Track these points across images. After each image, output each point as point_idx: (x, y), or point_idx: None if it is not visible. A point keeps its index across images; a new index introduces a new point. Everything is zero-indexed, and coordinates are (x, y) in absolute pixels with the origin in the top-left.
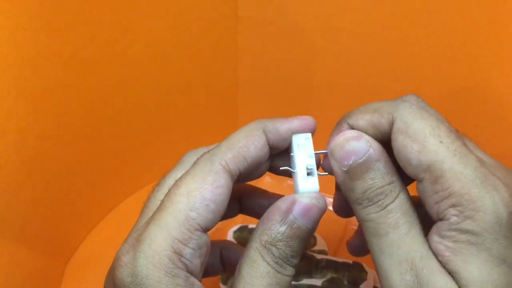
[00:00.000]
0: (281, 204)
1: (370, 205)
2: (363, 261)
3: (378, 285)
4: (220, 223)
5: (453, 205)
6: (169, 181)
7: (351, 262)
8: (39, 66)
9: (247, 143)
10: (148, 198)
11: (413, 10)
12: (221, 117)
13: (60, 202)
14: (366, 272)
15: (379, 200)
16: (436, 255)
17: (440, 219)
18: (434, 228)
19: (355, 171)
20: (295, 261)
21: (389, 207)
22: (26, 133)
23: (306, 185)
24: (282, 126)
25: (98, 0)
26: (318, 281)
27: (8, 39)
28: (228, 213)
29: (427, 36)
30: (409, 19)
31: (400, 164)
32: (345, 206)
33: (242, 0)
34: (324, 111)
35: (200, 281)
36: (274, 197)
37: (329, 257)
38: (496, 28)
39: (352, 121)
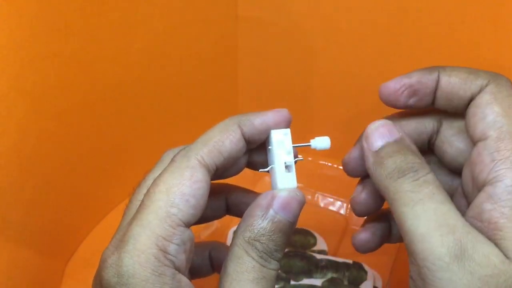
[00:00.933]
0: (261, 200)
1: (401, 177)
2: (363, 261)
3: (378, 284)
4: (219, 223)
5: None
6: (149, 181)
7: (351, 262)
8: (39, 66)
9: (222, 138)
10: (130, 200)
11: (413, 10)
12: (221, 117)
13: (60, 202)
14: (366, 272)
15: (411, 172)
16: (488, 222)
17: (491, 182)
18: (483, 196)
19: (387, 150)
20: (279, 255)
21: (421, 179)
22: (26, 133)
23: (285, 181)
24: (257, 119)
25: (98, 0)
26: (318, 281)
27: (8, 39)
28: (214, 214)
29: (427, 36)
30: (409, 19)
31: (470, 120)
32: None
33: (242, 0)
34: (324, 111)
35: (187, 277)
36: None
37: (329, 257)
38: (496, 28)
39: (446, 74)
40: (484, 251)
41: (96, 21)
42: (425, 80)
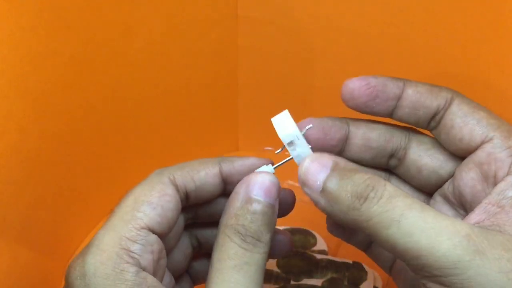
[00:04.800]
0: (238, 188)
1: (364, 202)
2: (363, 261)
3: (378, 284)
4: None
5: None
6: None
7: (351, 262)
8: (39, 66)
9: (198, 167)
10: None
11: (413, 10)
12: (221, 117)
13: (60, 202)
14: (366, 272)
15: (371, 192)
16: (510, 207)
17: None
18: (505, 184)
19: (331, 183)
20: (265, 237)
21: (385, 194)
22: (26, 133)
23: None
24: (238, 161)
25: (98, 0)
26: (318, 281)
27: (8, 39)
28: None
29: (426, 36)
30: (409, 19)
31: (462, 132)
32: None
33: (242, 0)
34: (324, 111)
35: (160, 279)
36: None
37: (329, 257)
38: (496, 28)
39: (412, 84)
40: (499, 238)
41: (96, 21)
42: (391, 84)
